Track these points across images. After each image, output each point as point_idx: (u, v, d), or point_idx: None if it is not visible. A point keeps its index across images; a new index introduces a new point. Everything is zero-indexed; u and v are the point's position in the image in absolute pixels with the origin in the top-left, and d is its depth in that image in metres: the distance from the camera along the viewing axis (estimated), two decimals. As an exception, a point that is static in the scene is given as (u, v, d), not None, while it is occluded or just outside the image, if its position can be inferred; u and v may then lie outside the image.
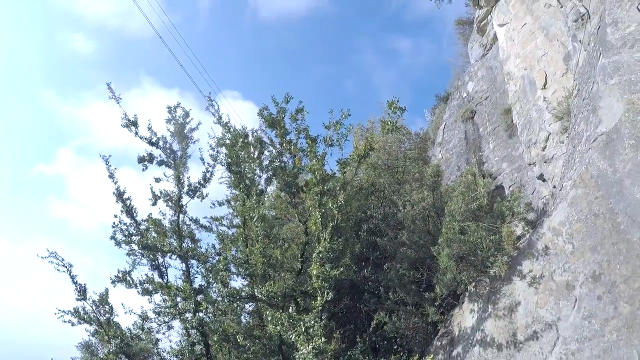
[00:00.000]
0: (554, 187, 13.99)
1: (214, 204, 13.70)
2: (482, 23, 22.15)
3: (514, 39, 18.04)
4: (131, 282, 12.38)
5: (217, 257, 12.35)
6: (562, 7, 14.78)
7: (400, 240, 13.23)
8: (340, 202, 10.58)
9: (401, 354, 11.77)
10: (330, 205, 10.55)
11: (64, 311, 11.82)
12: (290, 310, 9.88)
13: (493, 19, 20.43)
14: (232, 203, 13.39)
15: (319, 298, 9.52)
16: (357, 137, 19.95)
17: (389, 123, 10.86)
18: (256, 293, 10.66)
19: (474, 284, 11.32)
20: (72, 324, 11.88)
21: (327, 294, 9.52)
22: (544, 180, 15.13)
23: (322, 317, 9.56)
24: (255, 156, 12.70)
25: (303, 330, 9.04)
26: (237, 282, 12.72)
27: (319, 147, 11.62)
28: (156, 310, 12.20)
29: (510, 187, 17.39)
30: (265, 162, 12.78)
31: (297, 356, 8.92)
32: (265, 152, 12.91)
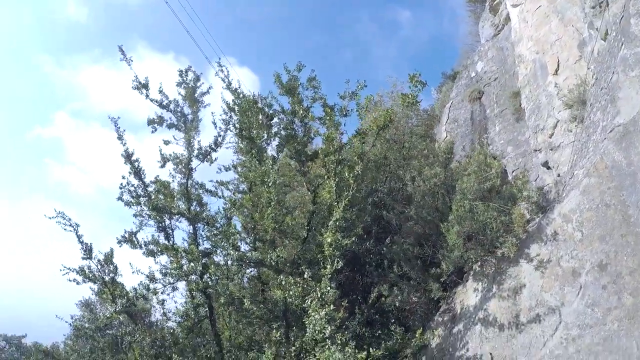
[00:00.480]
0: (559, 175, 14.00)
1: (220, 169, 13.77)
2: (495, 2, 21.91)
3: (527, 20, 17.85)
4: (136, 242, 12.49)
5: (225, 221, 12.36)
6: (580, -8, 14.68)
7: (408, 215, 13.37)
8: (358, 172, 10.65)
9: (400, 327, 11.88)
10: (347, 174, 10.64)
11: (69, 269, 11.90)
12: (306, 275, 9.90)
13: (507, -1, 20.21)
14: (239, 169, 13.45)
15: (328, 266, 9.62)
16: (366, 110, 19.89)
17: (409, 96, 10.89)
18: (266, 258, 10.69)
19: (480, 263, 11.49)
20: (77, 283, 11.94)
21: (337, 262, 9.62)
22: (548, 168, 15.12)
23: (332, 285, 9.65)
24: (265, 123, 12.69)
25: (319, 295, 9.15)
26: (242, 248, 12.82)
27: (336, 115, 11.66)
28: (163, 271, 12.27)
29: (513, 171, 17.38)
30: (275, 130, 12.82)
31: (307, 322, 9.03)
32: (275, 119, 12.95)
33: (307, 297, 9.38)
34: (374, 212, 14.31)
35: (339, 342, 8.52)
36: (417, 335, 10.22)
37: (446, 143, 14.18)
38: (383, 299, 12.41)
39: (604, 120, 10.25)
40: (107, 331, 12.89)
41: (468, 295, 11.65)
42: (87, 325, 12.22)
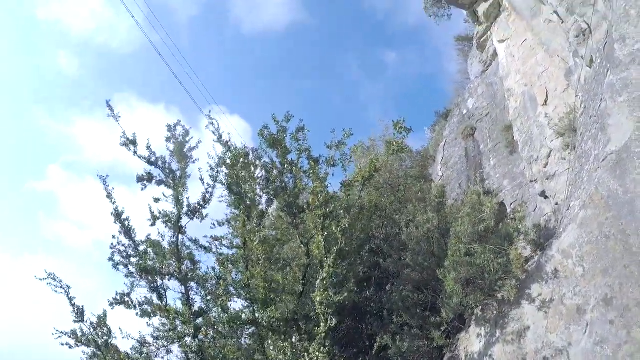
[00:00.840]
0: (557, 204, 13.69)
1: (214, 224, 13.45)
2: (482, 39, 21.86)
3: (514, 55, 17.76)
4: (130, 303, 12.03)
5: (216, 280, 11.87)
6: (563, 22, 14.49)
7: (404, 262, 12.89)
8: (344, 225, 10.24)
9: None
10: (333, 228, 10.23)
11: (61, 332, 11.51)
12: (293, 339, 9.44)
13: (493, 35, 20.14)
14: (233, 223, 13.06)
15: (322, 324, 9.18)
16: (359, 156, 19.57)
17: (394, 143, 10.54)
18: (257, 318, 10.25)
19: (480, 307, 10.97)
20: (70, 347, 11.55)
21: (331, 320, 9.18)
22: (546, 197, 14.81)
23: (326, 344, 9.16)
24: (256, 176, 12.35)
25: None
26: (238, 304, 12.41)
27: (321, 168, 11.30)
28: (155, 335, 11.91)
29: (512, 204, 17.03)
30: (266, 183, 12.43)
31: None
32: (266, 172, 12.56)
33: None
34: (372, 260, 13.85)
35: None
36: None
37: (438, 187, 13.79)
38: (387, 349, 11.87)
39: (596, 149, 9.87)
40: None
41: (471, 341, 11.13)
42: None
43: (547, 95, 15.31)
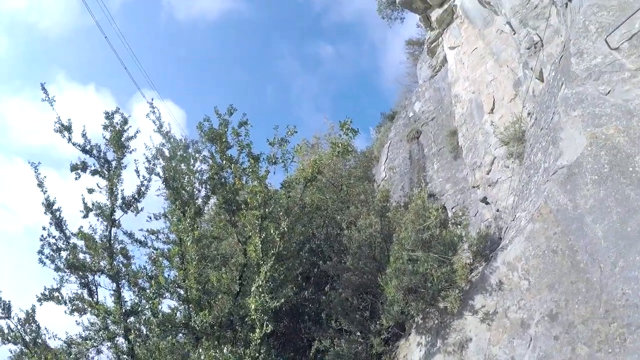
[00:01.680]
0: (497, 210, 13.56)
1: (150, 217, 12.61)
2: (433, 44, 21.79)
3: (464, 62, 17.59)
4: (60, 298, 11.09)
5: (148, 279, 11.15)
6: (515, 33, 14.29)
7: (344, 266, 12.40)
8: (283, 228, 9.68)
9: None
10: (272, 231, 9.65)
11: None
12: (225, 350, 8.81)
13: (444, 42, 20.00)
14: (169, 217, 12.21)
15: (257, 330, 8.63)
16: (302, 154, 18.99)
17: (340, 145, 9.99)
18: (191, 321, 9.62)
19: (422, 316, 10.51)
20: None
21: (267, 325, 8.64)
22: (487, 203, 14.70)
23: (261, 351, 8.62)
24: (195, 169, 11.66)
25: None
26: (173, 302, 11.75)
27: (261, 166, 10.69)
28: (83, 335, 11.13)
29: (453, 208, 16.86)
30: (205, 177, 11.73)
31: None
32: (205, 167, 11.89)
33: None
34: (311, 259, 13.36)
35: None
36: None
37: (382, 191, 13.36)
38: (325, 353, 11.39)
39: (546, 161, 9.53)
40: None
41: (411, 349, 10.69)
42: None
43: (494, 104, 15.18)
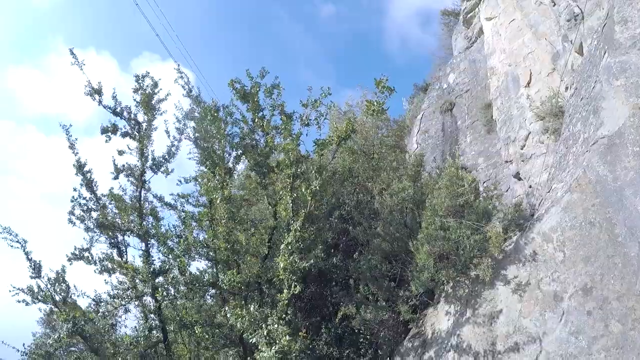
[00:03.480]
0: (530, 187, 13.17)
1: (180, 181, 12.46)
2: (469, 15, 21.27)
3: (500, 33, 17.10)
4: (90, 258, 11.19)
5: (177, 239, 11.09)
6: (554, 5, 13.83)
7: (374, 231, 12.18)
8: (315, 187, 9.45)
9: (367, 349, 11.01)
10: (303, 190, 9.47)
11: (18, 289, 10.62)
12: (251, 308, 8.68)
13: (480, 12, 19.51)
14: (200, 180, 12.14)
15: (285, 291, 8.46)
16: (334, 120, 18.71)
17: (375, 103, 9.66)
18: (218, 281, 9.51)
19: (452, 284, 10.28)
20: (27, 303, 10.67)
21: (295, 287, 8.46)
22: (519, 179, 14.32)
23: (288, 312, 8.46)
24: (226, 132, 11.49)
25: (265, 333, 8.01)
26: (201, 264, 11.66)
27: (294, 125, 10.44)
28: (111, 294, 11.13)
29: (484, 182, 16.47)
30: (236, 140, 11.50)
31: (258, 357, 7.91)
32: (236, 129, 11.63)
33: (254, 333, 8.20)
34: (341, 226, 13.16)
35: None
36: None
37: (416, 156, 13.03)
38: (351, 319, 11.23)
39: (586, 132, 9.17)
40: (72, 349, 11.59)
41: (439, 318, 10.47)
42: (35, 350, 10.83)
43: (530, 77, 14.73)
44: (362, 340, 11.28)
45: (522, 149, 14.26)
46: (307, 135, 10.38)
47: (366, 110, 9.88)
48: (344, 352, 11.02)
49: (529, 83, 14.75)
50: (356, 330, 11.25)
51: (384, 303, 11.16)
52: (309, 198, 9.37)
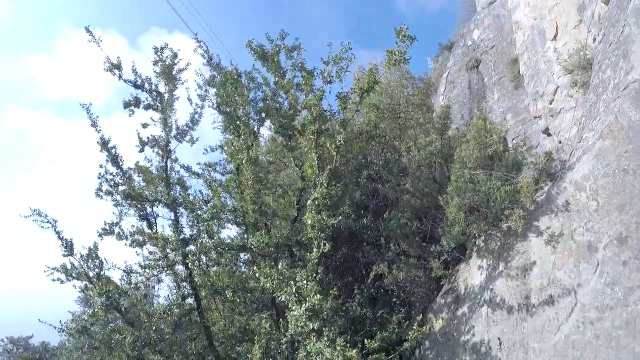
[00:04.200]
0: (560, 142, 12.86)
1: (206, 150, 12.51)
2: (491, -31, 20.71)
3: (524, -14, 16.62)
4: (122, 233, 11.34)
5: (204, 206, 11.10)
6: (579, -47, 13.36)
7: (403, 188, 12.02)
8: (340, 142, 9.28)
9: (400, 307, 10.83)
10: (328, 145, 9.33)
11: (53, 268, 10.79)
12: (280, 265, 8.59)
13: (503, -35, 18.98)
14: (226, 148, 12.09)
15: (314, 250, 8.35)
16: (357, 79, 18.45)
17: (396, 53, 9.38)
18: (247, 243, 9.45)
19: (483, 238, 10.08)
20: (61, 281, 10.85)
21: (324, 245, 8.33)
22: (549, 135, 14.00)
23: (318, 271, 8.34)
24: (248, 97, 11.37)
25: (294, 290, 7.92)
26: (232, 231, 11.64)
27: (315, 81, 10.22)
28: (143, 264, 11.28)
29: (513, 139, 16.18)
30: (260, 104, 11.36)
31: (289, 317, 7.83)
32: (259, 93, 11.49)
33: (283, 290, 8.11)
34: (370, 186, 13.01)
35: (326, 337, 7.28)
36: (413, 328, 8.67)
37: (443, 108, 12.69)
38: (383, 278, 11.12)
39: (616, 77, 8.85)
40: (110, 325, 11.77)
41: (472, 273, 10.31)
42: (72, 325, 10.99)
43: (557, 30, 14.26)
44: (395, 299, 11.21)
45: (550, 103, 13.93)
46: (330, 92, 10.17)
47: (388, 61, 9.59)
48: (377, 312, 10.91)
49: (555, 36, 14.32)
50: (389, 290, 11.20)
51: (416, 261, 11.04)
52: (334, 153, 9.23)
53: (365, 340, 7.95)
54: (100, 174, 11.50)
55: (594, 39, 11.99)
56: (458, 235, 9.90)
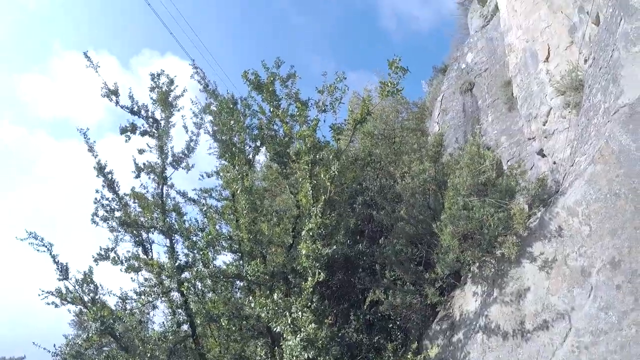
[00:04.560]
0: (554, 162, 12.90)
1: (202, 176, 12.59)
2: (483, -7, 20.92)
3: (516, 9, 16.73)
4: (117, 259, 11.31)
5: (200, 233, 11.17)
6: (569, -24, 13.49)
7: (398, 215, 12.00)
8: (334, 172, 9.41)
9: (397, 332, 10.89)
10: (322, 176, 9.42)
11: (47, 292, 10.70)
12: (275, 296, 8.58)
13: (495, -11, 19.14)
14: (221, 174, 12.13)
15: (309, 279, 8.36)
16: (353, 106, 18.59)
17: (389, 84, 9.47)
18: (242, 272, 9.45)
19: (478, 264, 10.08)
20: (56, 305, 10.77)
21: (319, 274, 8.37)
22: (543, 156, 14.04)
23: (313, 300, 8.35)
24: (245, 125, 11.44)
25: (289, 322, 7.93)
26: (227, 257, 11.66)
27: (310, 111, 10.33)
28: (138, 291, 11.37)
29: (508, 161, 16.23)
30: (255, 131, 11.52)
31: (284, 346, 7.82)
32: (255, 120, 11.70)
33: (278, 321, 8.10)
34: (365, 212, 13.02)
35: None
36: (408, 357, 8.68)
37: (436, 135, 12.74)
38: (379, 304, 11.10)
39: (606, 101, 8.90)
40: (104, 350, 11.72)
41: (467, 299, 10.29)
42: (67, 350, 10.92)
43: (548, 52, 14.37)
44: (391, 325, 11.19)
45: (544, 125, 13.98)
46: (324, 121, 10.27)
47: (381, 92, 9.70)
48: (373, 338, 10.85)
49: (547, 58, 14.42)
50: (385, 316, 11.16)
51: (411, 287, 11.01)
52: (328, 183, 9.32)
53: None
54: (96, 199, 11.53)
55: (585, 61, 12.07)
56: (452, 263, 9.91)
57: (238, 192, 9.85)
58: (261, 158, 12.59)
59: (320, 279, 8.37)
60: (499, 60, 18.83)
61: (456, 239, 9.65)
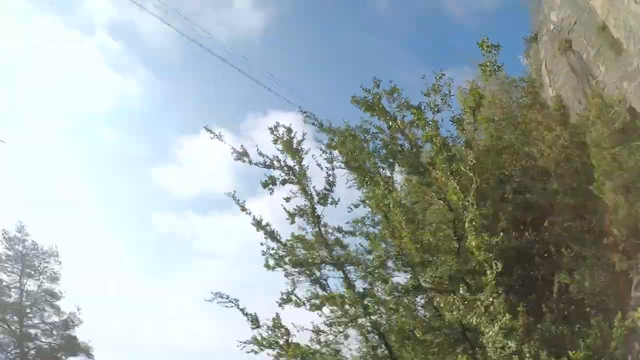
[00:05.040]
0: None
1: (351, 208, 13.12)
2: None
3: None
4: (299, 300, 12.22)
5: (368, 257, 11.93)
6: None
7: (552, 189, 11.77)
8: (472, 161, 9.53)
9: (596, 315, 10.17)
10: (462, 169, 9.60)
11: (245, 342, 11.95)
12: (461, 291, 8.69)
13: None
14: (367, 201, 12.63)
15: (488, 272, 8.42)
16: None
17: (488, 64, 9.56)
18: (420, 282, 9.61)
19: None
20: (255, 352, 11.89)
21: (496, 265, 8.39)
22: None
23: (499, 292, 8.33)
24: (370, 148, 12.02)
25: (483, 310, 7.94)
26: (401, 277, 12.07)
27: (425, 114, 10.68)
28: (327, 323, 12.11)
29: (640, 102, 15.38)
30: (382, 152, 12.01)
31: (484, 340, 7.84)
32: (378, 142, 12.15)
33: (470, 315, 8.15)
34: (519, 199, 12.86)
35: (527, 355, 7.24)
36: (615, 323, 8.39)
37: (552, 99, 12.38)
38: (567, 291, 10.73)
39: None
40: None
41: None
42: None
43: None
44: (587, 309, 10.66)
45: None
46: (442, 120, 10.61)
47: (483, 74, 9.83)
48: (574, 327, 10.16)
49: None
50: (577, 299, 10.68)
51: (594, 260, 10.67)
52: (471, 174, 9.43)
53: (569, 352, 7.77)
54: (263, 250, 12.50)
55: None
56: (626, 219, 9.49)
57: (391, 206, 10.15)
58: (397, 177, 12.86)
59: (499, 270, 8.36)
60: (584, 9, 18.05)
61: (620, 194, 9.31)
